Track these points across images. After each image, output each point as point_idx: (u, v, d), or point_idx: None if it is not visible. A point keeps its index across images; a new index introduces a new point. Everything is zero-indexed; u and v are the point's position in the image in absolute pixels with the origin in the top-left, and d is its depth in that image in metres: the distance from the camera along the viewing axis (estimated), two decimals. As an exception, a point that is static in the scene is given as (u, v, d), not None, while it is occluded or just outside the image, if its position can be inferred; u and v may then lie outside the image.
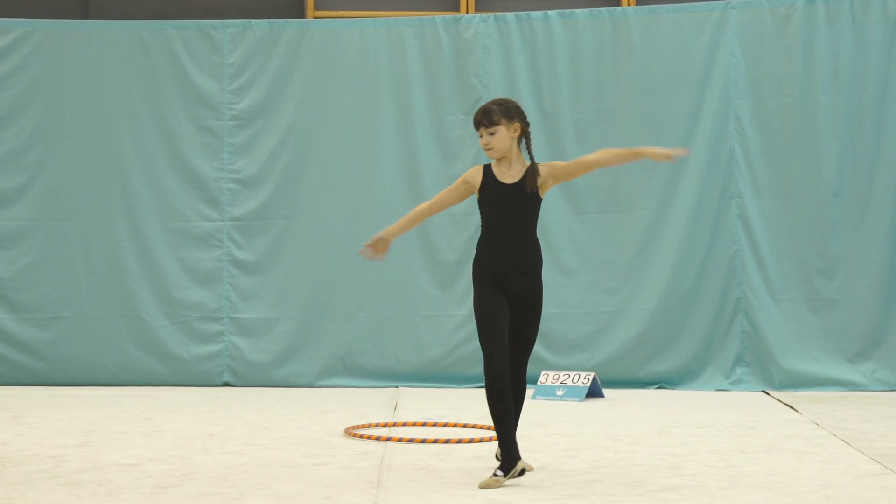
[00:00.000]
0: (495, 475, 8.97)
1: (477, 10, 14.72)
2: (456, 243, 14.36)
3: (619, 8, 14.55)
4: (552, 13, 14.36)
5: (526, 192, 9.26)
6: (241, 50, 14.35)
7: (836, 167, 14.23)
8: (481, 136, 9.32)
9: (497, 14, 14.41)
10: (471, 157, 14.22)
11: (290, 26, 14.43)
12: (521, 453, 9.69)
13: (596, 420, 12.22)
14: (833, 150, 14.23)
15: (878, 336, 14.22)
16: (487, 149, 9.28)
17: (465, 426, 11.79)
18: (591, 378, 13.48)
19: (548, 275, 14.08)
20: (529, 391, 13.59)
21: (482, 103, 14.05)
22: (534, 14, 14.36)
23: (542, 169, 9.38)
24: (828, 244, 14.20)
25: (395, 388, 14.09)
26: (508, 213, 9.30)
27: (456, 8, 14.80)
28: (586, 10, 14.45)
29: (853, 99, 14.24)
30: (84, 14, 14.81)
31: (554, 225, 14.27)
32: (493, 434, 11.33)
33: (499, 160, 9.32)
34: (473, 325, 14.04)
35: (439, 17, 14.49)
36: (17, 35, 14.26)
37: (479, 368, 13.99)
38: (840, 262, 14.18)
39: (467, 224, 14.23)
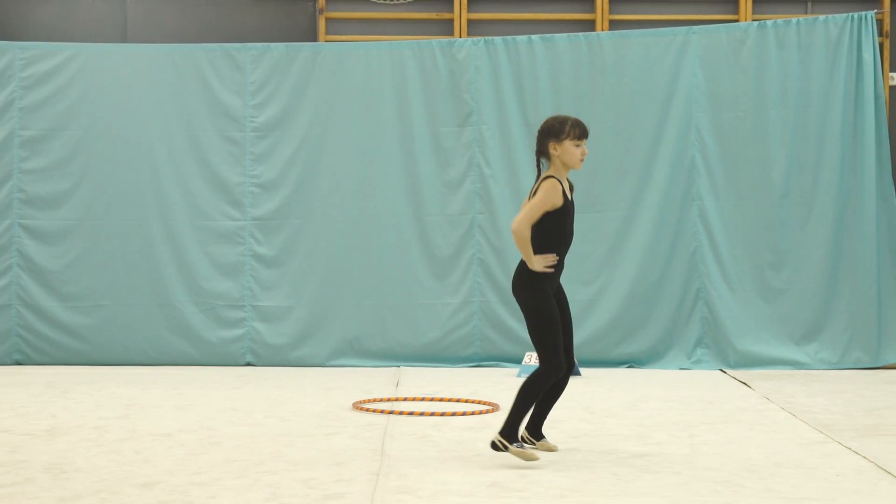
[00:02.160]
0: (517, 447, 8.71)
1: (469, 34, 14.68)
2: (451, 240, 14.38)
3: (593, 33, 14.50)
4: (535, 37, 14.40)
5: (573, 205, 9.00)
6: (261, 70, 14.37)
7: (784, 173, 14.32)
8: (580, 147, 8.86)
9: (486, 38, 14.42)
10: (463, 164, 14.34)
11: (304, 49, 14.44)
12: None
13: (573, 395, 12.12)
14: (781, 157, 14.32)
15: (820, 321, 14.33)
16: (583, 159, 8.94)
17: (458, 401, 11.79)
18: (569, 358, 13.62)
19: (531, 268, 14.31)
20: (514, 370, 13.79)
21: (473, 117, 14.26)
22: (519, 38, 14.39)
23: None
24: (777, 241, 14.31)
25: (397, 368, 14.11)
26: (571, 228, 8.95)
27: (450, 33, 14.77)
28: (565, 34, 14.46)
29: (799, 113, 14.31)
30: (123, 38, 14.77)
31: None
32: (485, 408, 11.48)
33: (563, 174, 8.91)
34: (466, 312, 14.26)
35: (436, 41, 14.50)
36: (63, 57, 14.28)
37: (472, 350, 14.25)
38: (787, 256, 14.28)
39: (461, 223, 14.33)
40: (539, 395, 8.78)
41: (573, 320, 14.06)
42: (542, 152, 8.97)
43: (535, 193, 8.86)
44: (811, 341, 14.33)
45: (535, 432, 9.14)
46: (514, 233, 8.79)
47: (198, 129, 14.40)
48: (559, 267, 8.86)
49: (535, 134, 9.07)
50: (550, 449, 9.08)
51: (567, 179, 8.95)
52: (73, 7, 14.94)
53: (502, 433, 8.67)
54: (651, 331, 14.27)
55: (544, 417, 9.16)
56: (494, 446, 8.68)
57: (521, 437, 8.91)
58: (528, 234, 8.69)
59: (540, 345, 8.72)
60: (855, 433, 10.30)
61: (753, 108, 14.34)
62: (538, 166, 9.03)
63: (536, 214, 8.69)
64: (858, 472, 8.92)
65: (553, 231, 8.77)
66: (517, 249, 14.10)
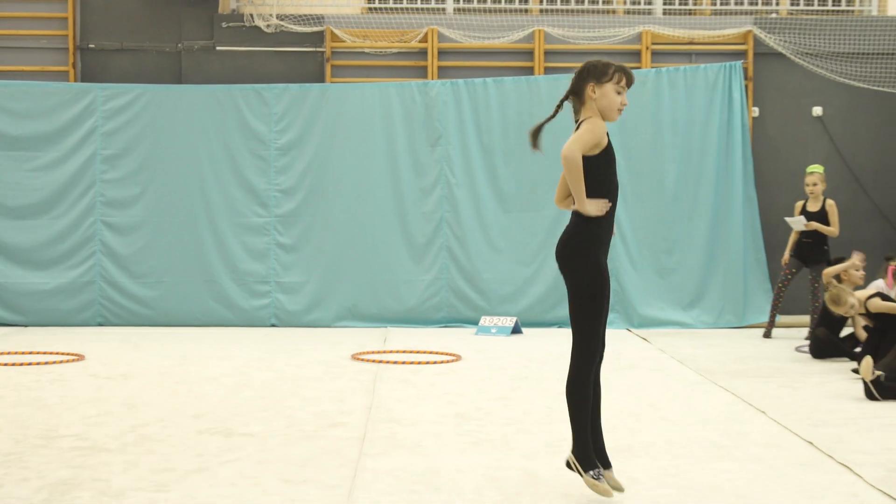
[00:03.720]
0: (593, 476, 6.00)
1: (439, 77, 14.68)
2: (425, 231, 14.33)
3: (532, 77, 14.52)
4: (489, 80, 14.40)
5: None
6: (282, 104, 14.32)
7: (674, 181, 14.39)
8: (621, 94, 6.18)
9: (452, 80, 14.39)
10: (434, 175, 14.33)
11: (315, 88, 14.41)
12: (475, 378, 9.73)
13: (517, 348, 12.32)
14: (672, 170, 14.38)
15: (701, 292, 14.39)
16: (622, 109, 6.25)
17: (430, 353, 11.77)
18: (514, 321, 13.62)
19: (484, 253, 14.33)
20: (473, 329, 13.84)
21: (442, 139, 14.33)
22: (476, 80, 14.39)
23: None
24: (668, 232, 14.36)
25: (385, 328, 14.09)
26: (616, 180, 6.22)
27: (425, 76, 14.77)
28: (511, 77, 14.48)
29: (685, 137, 14.37)
30: (178, 81, 14.75)
31: (490, 219, 14.35)
32: (450, 358, 11.49)
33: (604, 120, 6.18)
34: (436, 286, 14.28)
35: (414, 82, 14.46)
36: (133, 95, 14.24)
37: (441, 314, 14.24)
38: (676, 244, 14.33)
39: (433, 219, 14.33)
40: (588, 392, 6.13)
41: (516, 290, 14.41)
42: (576, 93, 6.29)
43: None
44: (694, 307, 14.41)
45: (602, 457, 6.20)
46: (564, 159, 5.99)
47: (234, 148, 14.34)
48: (610, 227, 6.19)
49: (575, 76, 6.35)
50: (618, 487, 6.13)
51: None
52: (140, 57, 14.91)
53: (575, 453, 6.06)
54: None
55: (601, 434, 6.29)
56: (569, 465, 6.13)
57: (567, 462, 6.16)
58: (580, 161, 5.96)
59: (578, 327, 6.12)
60: (726, 375, 10.41)
61: (652, 133, 14.40)
62: (558, 107, 6.41)
63: (588, 142, 6.02)
64: (728, 404, 9.04)
65: (601, 179, 6.08)
66: (481, 238, 14.46)
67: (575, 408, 6.09)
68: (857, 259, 11.95)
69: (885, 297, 10.69)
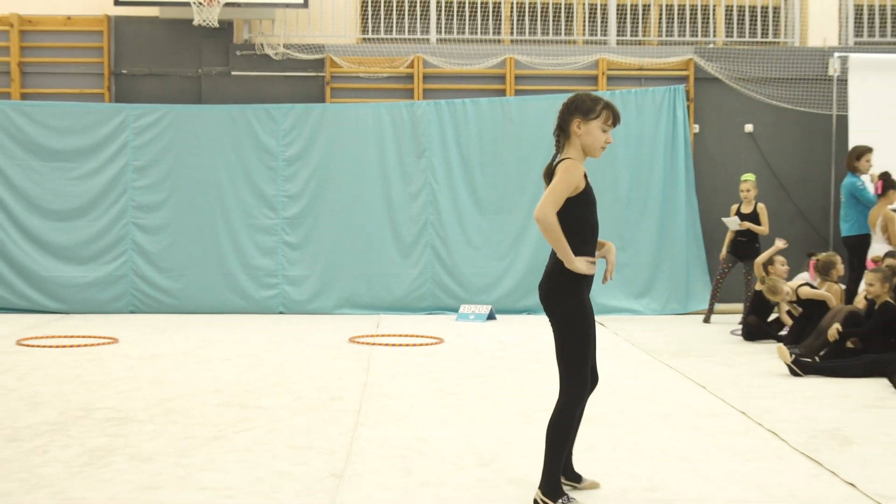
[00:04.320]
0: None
1: (424, 98, 14.71)
2: (412, 231, 14.29)
3: (505, 98, 14.52)
4: (467, 101, 14.39)
5: None
6: (289, 121, 14.29)
7: (627, 188, 14.36)
8: (606, 133, 5.39)
9: (436, 101, 14.37)
10: (420, 182, 14.30)
11: (317, 108, 14.37)
12: (452, 356, 9.74)
13: (492, 333, 12.32)
14: (625, 178, 14.36)
15: (650, 283, 14.39)
16: (607, 145, 5.46)
17: (417, 336, 11.78)
18: (489, 308, 13.63)
19: (463, 250, 14.34)
20: (453, 316, 13.85)
21: (427, 152, 14.41)
22: (457, 101, 14.36)
23: None
24: (622, 232, 14.28)
25: (378, 315, 14.06)
26: (596, 217, 5.45)
27: (412, 97, 14.80)
28: (486, 98, 14.46)
29: (636, 149, 14.36)
30: (198, 101, 14.73)
31: (468, 221, 14.33)
32: (433, 341, 11.52)
33: (582, 159, 5.42)
34: (422, 279, 14.30)
35: (402, 102, 14.42)
36: (158, 115, 14.21)
37: (426, 303, 14.25)
38: (629, 242, 14.32)
39: (419, 221, 14.30)
40: (573, 431, 5.38)
41: (491, 282, 14.44)
42: (562, 129, 5.42)
43: (551, 176, 5.40)
44: (644, 296, 14.41)
45: (569, 473, 5.58)
46: (538, 221, 5.17)
47: (247, 159, 14.31)
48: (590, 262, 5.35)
49: (559, 110, 5.47)
50: (594, 486, 5.58)
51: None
52: (166, 81, 14.89)
53: (542, 488, 5.23)
54: (541, 290, 14.22)
55: (570, 453, 5.62)
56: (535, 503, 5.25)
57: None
58: (554, 220, 5.16)
59: (564, 365, 5.31)
60: (671, 355, 10.45)
61: (608, 148, 14.34)
62: (557, 145, 5.51)
63: (560, 196, 5.21)
64: (672, 379, 9.07)
65: (583, 222, 5.33)
66: (461, 237, 14.53)
67: (554, 444, 5.24)
68: (779, 243, 12.09)
69: (811, 287, 10.92)
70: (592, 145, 5.37)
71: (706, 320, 13.31)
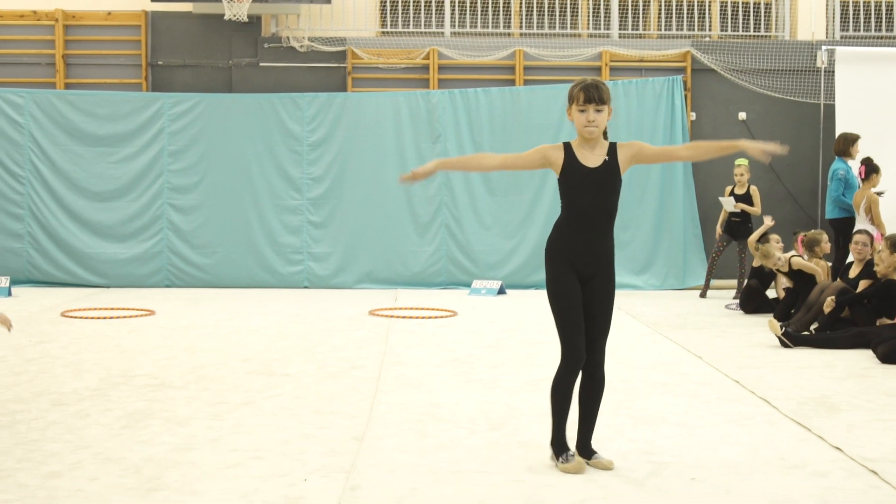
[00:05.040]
0: (563, 461, 5.23)
1: (439, 88, 14.67)
2: (428, 211, 14.25)
3: (515, 87, 14.46)
4: (479, 90, 14.33)
5: (610, 175, 5.24)
6: (313, 109, 14.23)
7: (629, 171, 13.99)
8: (585, 112, 5.18)
9: (450, 90, 14.32)
10: (435, 166, 14.32)
11: (339, 96, 14.32)
12: (469, 325, 9.71)
13: (503, 307, 12.31)
14: (627, 163, 14.37)
15: (650, 260, 14.30)
16: (592, 126, 5.18)
17: (432, 309, 11.77)
18: (500, 284, 13.60)
19: (476, 229, 14.32)
20: (464, 291, 13.82)
21: (441, 137, 14.43)
22: (469, 90, 14.30)
23: (625, 150, 5.32)
24: (624, 212, 13.87)
25: (396, 290, 14.03)
26: (592, 198, 5.22)
27: (427, 87, 14.74)
28: (497, 88, 14.40)
29: (637, 136, 13.86)
30: (229, 90, 14.71)
31: (480, 202, 14.27)
32: (447, 314, 11.54)
33: (584, 141, 5.24)
34: (437, 255, 14.30)
35: (419, 91, 14.37)
36: (192, 103, 14.18)
37: (441, 278, 14.24)
38: (630, 222, 14.22)
39: (434, 202, 14.24)
40: (567, 394, 5.24)
41: (501, 259, 14.40)
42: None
43: None
44: (644, 272, 14.34)
45: (585, 450, 5.33)
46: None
47: (274, 144, 14.26)
48: (587, 247, 5.27)
49: None
50: (606, 467, 5.24)
51: (609, 144, 5.30)
52: (199, 72, 14.87)
53: (551, 444, 5.32)
54: (548, 267, 14.19)
55: (590, 432, 5.37)
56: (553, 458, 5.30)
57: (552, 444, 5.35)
58: (483, 157, 5.60)
59: (558, 331, 5.28)
60: (669, 328, 10.43)
61: (610, 133, 13.76)
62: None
63: (518, 154, 5.46)
64: (671, 350, 9.06)
65: (568, 200, 5.29)
66: (473, 216, 14.36)
67: (554, 408, 5.26)
68: (768, 220, 12.14)
69: (802, 259, 10.96)
70: (578, 128, 5.26)
71: (702, 295, 13.27)
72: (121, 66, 14.92)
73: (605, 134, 5.33)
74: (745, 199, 13.05)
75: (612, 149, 5.30)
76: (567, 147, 5.29)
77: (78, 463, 5.30)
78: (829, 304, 9.65)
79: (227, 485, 4.94)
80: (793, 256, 10.95)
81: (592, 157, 5.26)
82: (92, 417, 6.31)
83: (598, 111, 5.21)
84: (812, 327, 9.79)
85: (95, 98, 14.23)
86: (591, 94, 5.20)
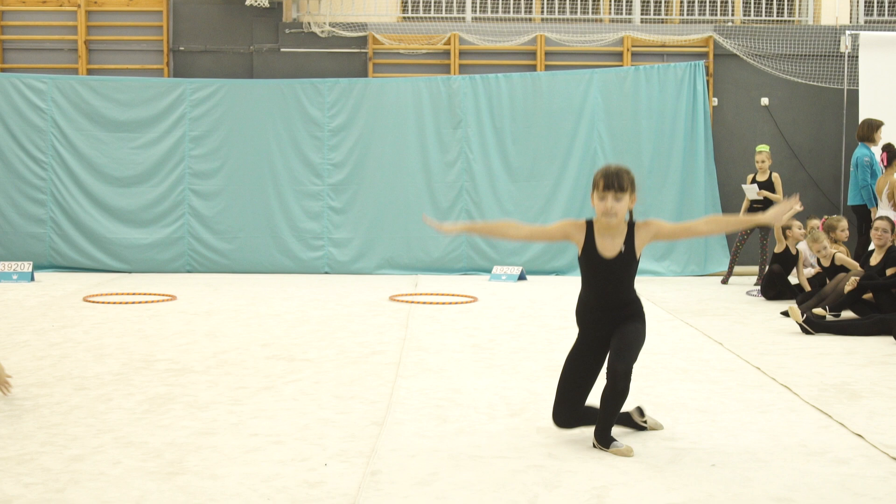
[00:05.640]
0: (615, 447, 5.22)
1: (460, 73, 14.68)
2: (448, 197, 14.27)
3: (535, 72, 14.46)
4: (500, 75, 14.33)
5: (626, 265, 5.36)
6: (334, 94, 14.27)
7: (650, 158, 14.26)
8: (604, 200, 5.27)
9: (471, 76, 14.33)
10: (456, 151, 14.26)
11: (359, 82, 14.35)
12: (496, 310, 9.67)
13: (523, 292, 12.30)
14: (648, 148, 14.27)
15: (670, 247, 14.24)
16: (610, 214, 5.27)
17: (452, 295, 11.80)
18: (520, 269, 13.61)
19: (496, 214, 14.25)
20: (484, 277, 13.81)
21: (462, 122, 14.44)
22: (490, 76, 14.31)
23: (642, 232, 5.40)
24: (645, 199, 14.12)
25: (416, 275, 14.09)
26: (605, 285, 5.37)
27: (448, 72, 14.76)
28: (518, 73, 14.39)
29: (659, 121, 14.26)
30: (250, 76, 14.78)
31: (501, 187, 14.29)
32: (468, 300, 11.56)
33: (604, 225, 5.34)
34: (458, 241, 14.29)
35: (440, 77, 14.39)
36: (213, 88, 14.24)
37: (461, 264, 14.32)
38: (651, 208, 14.12)
39: (454, 187, 14.28)
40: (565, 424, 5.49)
41: (522, 245, 14.31)
42: None
43: None
44: (665, 259, 14.34)
45: (604, 440, 5.29)
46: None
47: (295, 130, 14.30)
48: (601, 314, 5.42)
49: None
50: (625, 454, 5.18)
51: (628, 226, 5.40)
52: (220, 57, 14.91)
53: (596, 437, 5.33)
54: (569, 253, 14.21)
55: (607, 426, 5.29)
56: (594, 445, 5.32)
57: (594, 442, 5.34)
58: (505, 224, 5.82)
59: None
60: (690, 314, 10.40)
61: (631, 119, 14.30)
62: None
63: (543, 226, 5.67)
64: (691, 336, 9.03)
65: (582, 275, 5.51)
66: (494, 202, 14.26)
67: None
68: (796, 205, 12.05)
69: (845, 257, 10.91)
70: (597, 214, 5.37)
71: (724, 282, 13.23)
72: (142, 51, 14.98)
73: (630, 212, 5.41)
74: (767, 185, 13.00)
75: (631, 232, 5.39)
76: (589, 228, 5.41)
77: (100, 447, 5.34)
78: (851, 284, 9.63)
79: (247, 469, 4.97)
80: (837, 253, 10.89)
81: (611, 246, 5.37)
82: (114, 402, 6.35)
83: (618, 199, 5.28)
84: (819, 310, 9.71)
85: (117, 84, 14.29)
86: (611, 181, 5.28)
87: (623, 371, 5.25)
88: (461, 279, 13.70)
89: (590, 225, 5.41)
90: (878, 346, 8.52)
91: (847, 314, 9.87)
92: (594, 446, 5.35)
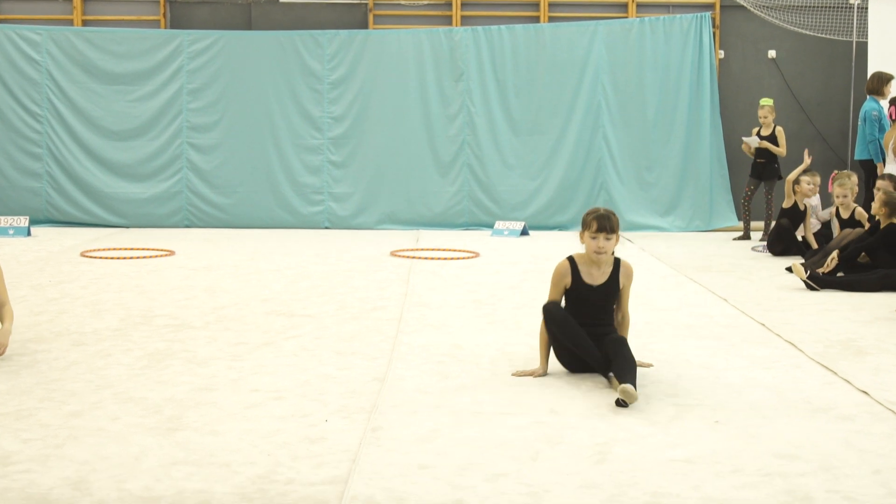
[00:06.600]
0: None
1: (462, 25, 14.61)
2: (450, 151, 14.24)
3: (539, 24, 14.40)
4: (503, 27, 14.25)
5: (612, 290, 5.95)
6: (334, 46, 14.20)
7: (654, 111, 14.22)
8: (596, 239, 5.83)
9: (473, 27, 14.26)
10: (457, 105, 14.21)
11: (360, 34, 14.28)
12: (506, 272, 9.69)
13: (525, 247, 12.30)
14: (653, 102, 14.22)
15: (675, 202, 14.27)
16: (601, 252, 5.85)
17: (454, 251, 11.80)
18: (523, 224, 13.59)
19: (498, 169, 14.28)
20: (486, 232, 13.80)
21: (464, 75, 14.34)
22: (493, 27, 14.23)
23: (626, 271, 6.00)
24: (649, 153, 14.23)
25: (418, 230, 14.08)
26: (590, 308, 5.94)
27: (450, 24, 14.68)
28: (521, 25, 14.32)
29: (664, 74, 14.21)
30: (248, 28, 14.69)
31: (503, 141, 14.26)
32: (469, 255, 11.56)
33: (590, 260, 5.93)
34: (459, 196, 14.26)
35: (441, 28, 14.33)
36: (210, 40, 14.17)
37: (463, 219, 14.35)
38: (655, 162, 14.24)
39: (456, 141, 14.25)
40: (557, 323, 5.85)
41: (524, 200, 14.25)
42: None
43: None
44: (669, 214, 14.31)
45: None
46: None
47: (294, 82, 14.24)
48: (589, 334, 5.85)
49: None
50: (630, 397, 5.27)
51: (614, 261, 5.97)
52: (218, 9, 14.83)
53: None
54: (571, 208, 14.18)
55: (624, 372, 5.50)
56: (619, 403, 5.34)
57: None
58: (542, 334, 6.01)
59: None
60: (695, 270, 10.40)
61: (636, 72, 14.25)
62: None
63: (551, 289, 6.00)
64: (696, 293, 9.04)
65: (570, 305, 6.00)
66: (496, 156, 14.28)
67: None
68: (806, 156, 12.11)
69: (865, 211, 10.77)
70: (588, 251, 5.93)
71: (744, 237, 13.12)
72: (139, 2, 14.88)
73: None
74: (771, 139, 12.93)
75: (616, 266, 5.98)
76: (573, 266, 5.98)
77: (99, 402, 5.35)
78: (833, 258, 9.55)
79: (247, 425, 4.99)
80: (857, 208, 10.82)
81: (598, 275, 5.96)
82: (112, 357, 6.37)
83: (608, 239, 5.87)
84: (821, 270, 9.68)
85: (113, 35, 14.21)
86: (604, 224, 5.86)
87: (612, 325, 6.02)
88: (463, 234, 13.69)
89: (573, 264, 5.99)
90: (884, 301, 8.53)
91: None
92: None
